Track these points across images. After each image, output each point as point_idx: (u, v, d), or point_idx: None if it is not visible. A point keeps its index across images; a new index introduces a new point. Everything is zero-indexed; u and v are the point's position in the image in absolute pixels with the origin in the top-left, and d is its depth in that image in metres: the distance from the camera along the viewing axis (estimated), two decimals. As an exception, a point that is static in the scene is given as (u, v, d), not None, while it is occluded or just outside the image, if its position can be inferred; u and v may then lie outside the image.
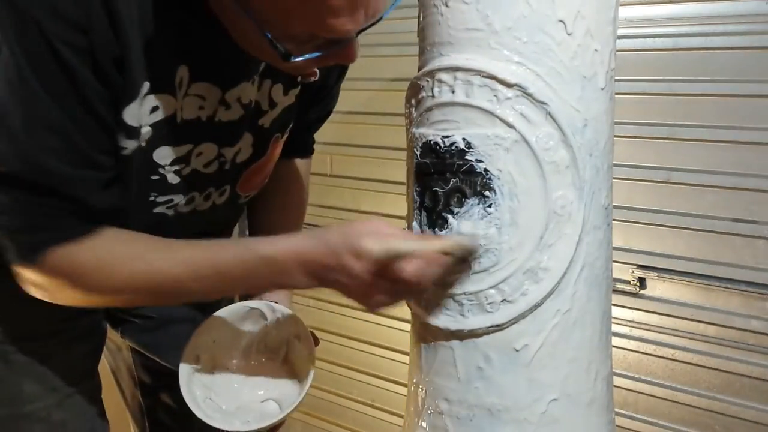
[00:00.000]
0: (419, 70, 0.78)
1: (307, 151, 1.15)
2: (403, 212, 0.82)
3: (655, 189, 1.42)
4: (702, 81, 1.34)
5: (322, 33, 0.68)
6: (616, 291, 1.38)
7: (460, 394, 0.77)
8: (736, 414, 1.38)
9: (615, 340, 0.86)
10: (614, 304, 0.84)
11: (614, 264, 0.83)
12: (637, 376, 1.48)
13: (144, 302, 0.85)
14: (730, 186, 1.33)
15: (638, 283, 1.45)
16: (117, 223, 0.79)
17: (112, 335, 1.16)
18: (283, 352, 0.95)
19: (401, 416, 0.89)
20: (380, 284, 0.72)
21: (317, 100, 1.03)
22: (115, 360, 1.22)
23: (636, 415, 1.49)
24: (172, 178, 0.86)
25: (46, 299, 0.81)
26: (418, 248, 0.71)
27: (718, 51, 1.32)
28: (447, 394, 0.78)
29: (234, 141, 0.90)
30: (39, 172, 0.73)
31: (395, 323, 1.84)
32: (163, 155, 0.83)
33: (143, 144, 0.80)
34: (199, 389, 0.89)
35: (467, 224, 0.74)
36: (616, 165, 0.81)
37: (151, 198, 0.87)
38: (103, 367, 1.22)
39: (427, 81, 0.76)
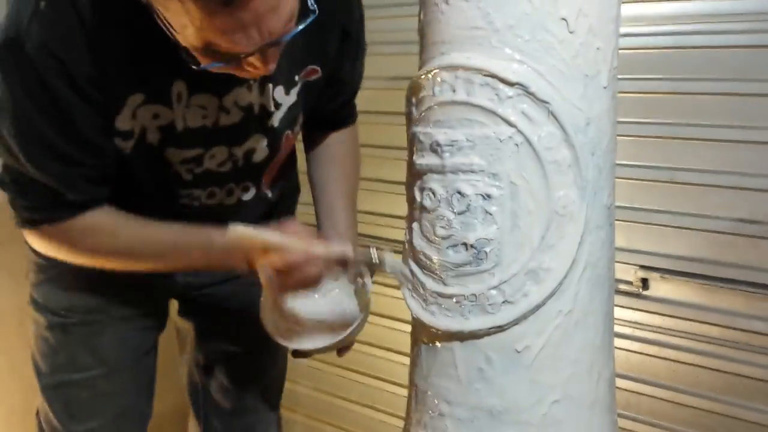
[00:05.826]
0: (420, 68, 0.78)
1: (343, 123, 1.19)
2: (403, 212, 0.82)
3: (658, 189, 1.41)
4: (705, 80, 1.34)
5: (220, 49, 0.74)
6: (618, 292, 1.38)
7: (461, 395, 0.77)
8: (738, 416, 1.38)
9: (617, 341, 0.85)
10: (617, 305, 0.83)
11: (617, 264, 0.82)
12: (639, 377, 1.48)
13: (119, 268, 1.00)
14: (734, 186, 1.33)
15: (641, 284, 1.44)
16: (108, 204, 0.95)
17: (180, 320, 1.29)
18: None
19: (402, 418, 0.89)
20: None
21: (332, 92, 1.11)
22: (182, 341, 1.33)
23: (638, 417, 1.49)
24: (186, 176, 0.98)
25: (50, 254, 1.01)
26: (286, 244, 0.90)
27: (721, 49, 1.32)
28: (448, 396, 0.78)
29: (241, 140, 1.00)
30: (33, 173, 0.88)
31: (395, 324, 1.83)
32: (173, 155, 0.95)
33: (155, 143, 0.92)
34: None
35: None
36: (618, 164, 0.80)
37: (173, 189, 0.99)
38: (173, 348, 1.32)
39: (428, 80, 0.75)
